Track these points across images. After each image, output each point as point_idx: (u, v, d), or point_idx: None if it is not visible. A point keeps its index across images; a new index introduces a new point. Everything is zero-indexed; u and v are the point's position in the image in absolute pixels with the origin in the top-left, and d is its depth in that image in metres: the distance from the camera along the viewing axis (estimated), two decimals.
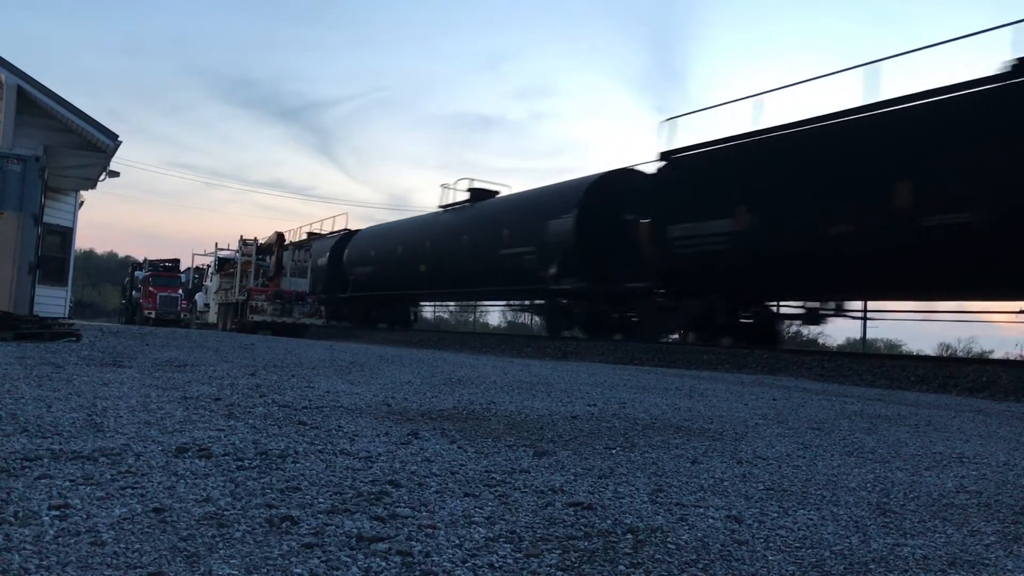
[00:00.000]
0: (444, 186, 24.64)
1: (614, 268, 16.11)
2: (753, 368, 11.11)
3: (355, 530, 1.79)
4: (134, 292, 36.32)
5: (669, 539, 1.91)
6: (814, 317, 13.67)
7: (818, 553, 1.87)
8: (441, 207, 23.74)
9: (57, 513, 1.77)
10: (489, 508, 2.09)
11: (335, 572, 1.52)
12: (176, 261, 37.29)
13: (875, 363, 10.42)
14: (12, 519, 1.71)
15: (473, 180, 22.88)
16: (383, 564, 1.58)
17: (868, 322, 13.26)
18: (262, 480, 2.23)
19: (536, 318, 26.66)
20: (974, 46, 10.87)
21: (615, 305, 16.55)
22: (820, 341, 25.54)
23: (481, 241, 20.16)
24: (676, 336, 15.73)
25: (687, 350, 13.26)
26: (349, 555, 1.62)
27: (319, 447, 2.81)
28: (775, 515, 2.23)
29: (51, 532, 1.64)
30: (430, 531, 1.83)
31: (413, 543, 1.73)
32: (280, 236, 23.62)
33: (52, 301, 13.70)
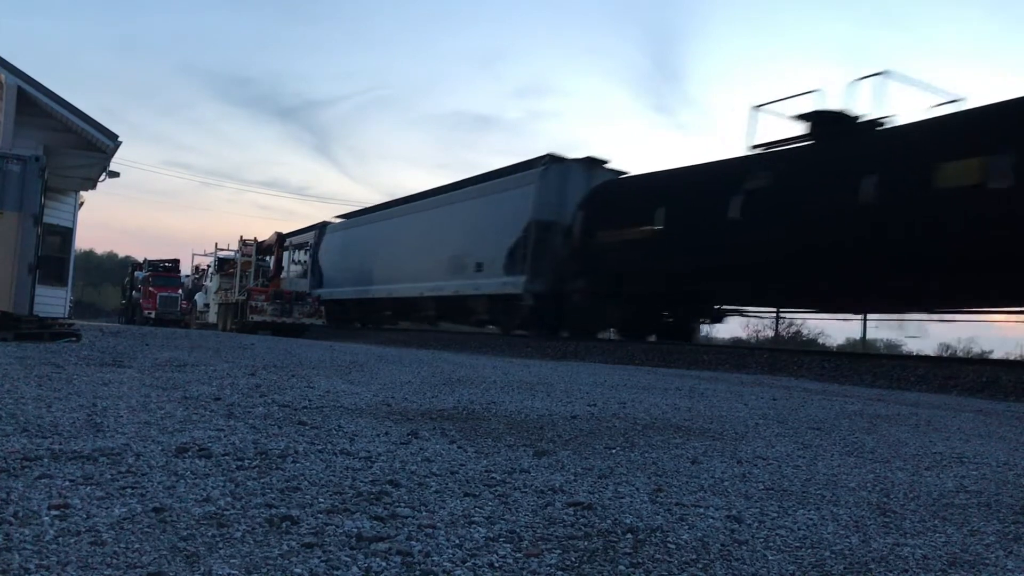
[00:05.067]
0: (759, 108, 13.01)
1: None
2: (753, 368, 11.11)
3: (355, 530, 1.79)
4: (134, 292, 36.36)
5: (669, 539, 1.91)
6: None
7: (818, 553, 1.87)
8: (758, 146, 13.32)
9: (57, 513, 1.77)
10: (489, 508, 2.09)
11: (335, 572, 1.52)
12: (176, 261, 37.34)
13: (875, 363, 10.41)
14: (12, 519, 1.71)
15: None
16: (383, 564, 1.58)
17: None
18: (262, 480, 2.23)
19: None
20: None
21: None
22: (820, 341, 25.54)
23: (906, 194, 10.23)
24: None
25: (687, 350, 13.22)
26: (349, 555, 1.62)
27: (319, 447, 2.81)
28: (775, 515, 2.23)
29: (51, 532, 1.64)
30: (430, 531, 1.83)
31: (413, 543, 1.73)
32: (280, 236, 23.64)
33: (52, 301, 13.69)
